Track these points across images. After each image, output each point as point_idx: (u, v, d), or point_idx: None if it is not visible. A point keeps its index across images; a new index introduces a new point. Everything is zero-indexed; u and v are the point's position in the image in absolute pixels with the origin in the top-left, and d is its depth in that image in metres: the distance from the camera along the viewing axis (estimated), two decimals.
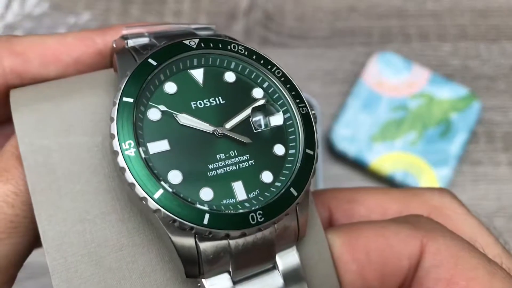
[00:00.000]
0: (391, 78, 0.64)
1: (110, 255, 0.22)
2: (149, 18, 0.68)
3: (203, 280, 0.21)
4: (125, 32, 0.25)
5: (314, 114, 0.24)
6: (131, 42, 0.24)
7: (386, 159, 0.61)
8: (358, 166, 0.62)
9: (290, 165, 0.23)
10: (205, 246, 0.21)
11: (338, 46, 0.68)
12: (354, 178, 0.62)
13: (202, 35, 0.25)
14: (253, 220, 0.21)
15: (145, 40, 0.24)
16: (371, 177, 0.62)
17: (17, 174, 0.23)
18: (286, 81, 0.25)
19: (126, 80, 0.22)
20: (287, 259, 0.23)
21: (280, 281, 0.22)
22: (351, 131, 0.62)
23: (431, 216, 0.26)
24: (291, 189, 0.22)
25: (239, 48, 0.25)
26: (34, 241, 0.24)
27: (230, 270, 0.22)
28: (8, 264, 0.23)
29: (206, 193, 0.22)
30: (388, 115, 0.63)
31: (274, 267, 0.23)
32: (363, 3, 0.70)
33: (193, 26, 0.26)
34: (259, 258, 0.22)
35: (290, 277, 0.23)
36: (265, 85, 0.25)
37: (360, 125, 0.62)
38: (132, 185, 0.20)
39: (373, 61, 0.65)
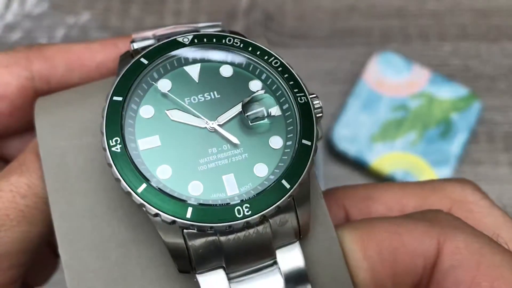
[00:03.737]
0: (391, 78, 0.64)
1: (116, 250, 0.23)
2: (149, 18, 0.68)
3: (197, 275, 0.21)
4: (134, 36, 0.25)
5: (318, 103, 0.24)
6: (135, 45, 0.25)
7: (386, 159, 0.61)
8: (359, 166, 0.62)
9: (286, 157, 0.23)
10: (194, 241, 0.21)
11: (338, 46, 0.67)
12: (354, 178, 0.62)
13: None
14: (239, 213, 0.21)
15: (149, 42, 0.25)
16: (372, 177, 0.62)
17: (32, 168, 0.24)
18: (284, 71, 0.24)
19: (117, 79, 0.23)
20: (289, 257, 0.22)
21: (280, 281, 0.22)
22: (351, 131, 0.62)
23: (452, 210, 0.24)
24: (283, 181, 0.22)
25: (235, 41, 0.25)
26: (46, 232, 0.25)
27: (224, 265, 0.21)
28: (17, 250, 0.24)
29: (195, 187, 0.22)
30: (388, 115, 0.63)
31: (275, 262, 0.22)
32: (363, 3, 0.69)
33: (200, 25, 0.26)
34: (254, 254, 0.22)
35: (293, 278, 0.22)
36: (263, 76, 0.25)
37: (360, 125, 0.62)
38: (118, 180, 0.21)
39: (373, 61, 0.65)
